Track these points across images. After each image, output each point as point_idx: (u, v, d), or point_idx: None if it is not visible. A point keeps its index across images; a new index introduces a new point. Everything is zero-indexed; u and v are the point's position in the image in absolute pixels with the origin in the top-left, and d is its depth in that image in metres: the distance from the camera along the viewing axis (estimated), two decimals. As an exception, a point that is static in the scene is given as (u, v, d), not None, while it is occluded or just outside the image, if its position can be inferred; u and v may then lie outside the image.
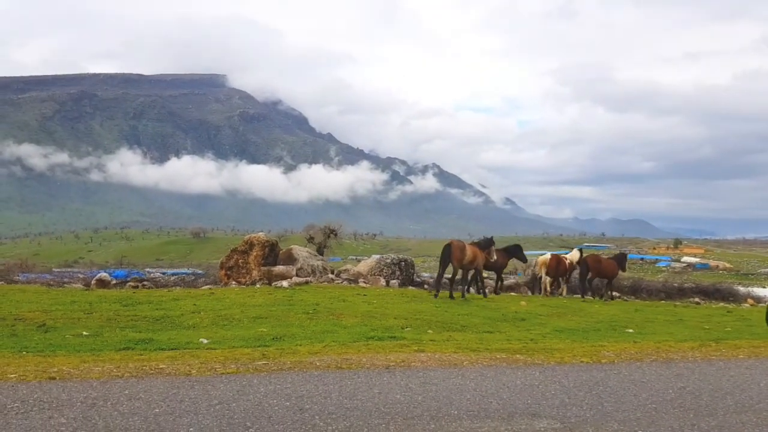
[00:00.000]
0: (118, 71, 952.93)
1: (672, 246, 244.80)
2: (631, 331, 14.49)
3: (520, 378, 7.32)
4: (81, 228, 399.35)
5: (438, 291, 20.20)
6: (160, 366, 7.82)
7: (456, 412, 5.80)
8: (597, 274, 24.31)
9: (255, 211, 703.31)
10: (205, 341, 10.51)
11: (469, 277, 21.76)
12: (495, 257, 22.59)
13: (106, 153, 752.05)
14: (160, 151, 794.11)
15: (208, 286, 23.81)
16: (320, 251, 40.07)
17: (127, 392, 6.37)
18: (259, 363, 8.08)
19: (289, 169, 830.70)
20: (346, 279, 25.37)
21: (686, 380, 7.56)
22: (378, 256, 29.30)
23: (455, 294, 20.53)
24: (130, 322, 12.63)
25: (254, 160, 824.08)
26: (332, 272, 26.24)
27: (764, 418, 5.90)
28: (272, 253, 25.20)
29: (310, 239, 44.17)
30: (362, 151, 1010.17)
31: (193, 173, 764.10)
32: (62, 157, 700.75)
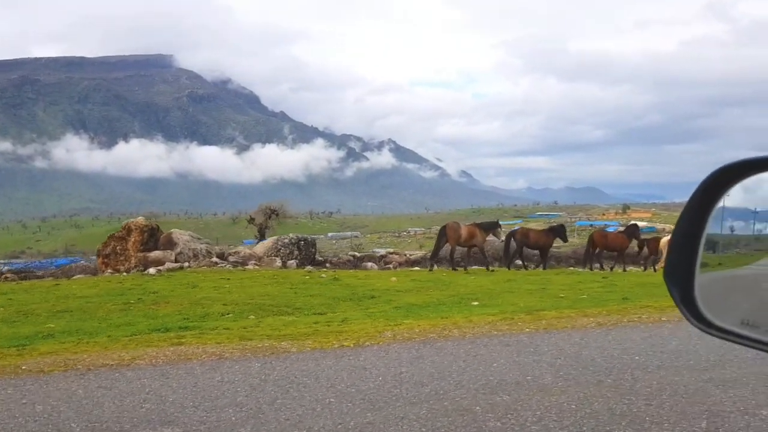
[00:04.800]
0: (61, 54, 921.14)
1: (621, 211, 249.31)
2: (476, 303, 13.95)
3: (220, 375, 6.57)
4: (28, 217, 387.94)
5: (432, 266, 23.22)
6: None
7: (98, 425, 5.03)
8: (604, 248, 26.03)
9: (208, 194, 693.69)
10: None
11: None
12: (503, 237, 25.02)
13: (51, 139, 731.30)
14: (108, 135, 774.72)
15: (80, 275, 22.70)
16: (261, 232, 38.97)
17: None
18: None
19: (242, 149, 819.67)
20: (233, 262, 24.46)
21: (400, 365, 6.94)
22: (276, 237, 28.42)
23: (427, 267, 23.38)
24: None
25: (205, 141, 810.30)
26: (221, 255, 25.27)
27: (444, 408, 5.26)
28: (152, 239, 24.16)
29: (251, 220, 43.02)
30: (317, 128, 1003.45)
31: (142, 157, 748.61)
32: (5, 145, 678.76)
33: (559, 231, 26.15)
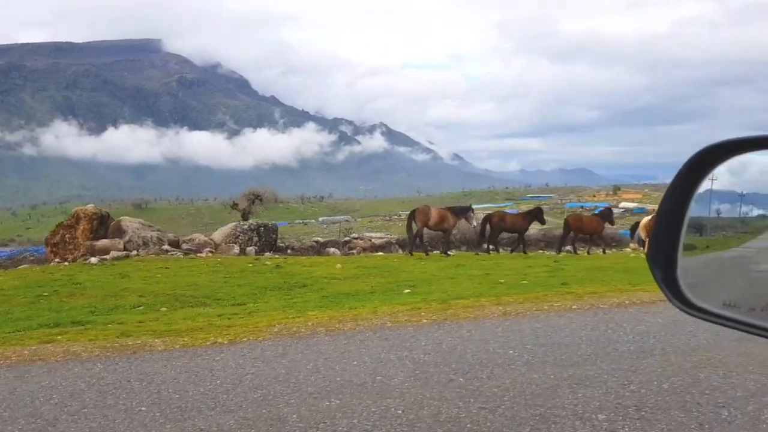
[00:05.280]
0: (48, 40, 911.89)
1: (611, 193, 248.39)
2: (408, 291, 13.51)
3: (49, 379, 6.06)
4: (18, 205, 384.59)
5: (411, 250, 22.68)
6: None
7: None
8: (579, 231, 26.09)
9: (199, 179, 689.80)
10: None
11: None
12: (474, 223, 24.56)
13: (39, 126, 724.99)
14: (97, 121, 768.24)
15: (26, 265, 22.14)
16: (245, 217, 38.42)
17: None
18: None
19: (233, 134, 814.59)
20: (185, 250, 23.87)
21: (254, 365, 6.45)
22: (234, 223, 27.83)
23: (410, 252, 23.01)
24: None
25: (196, 126, 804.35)
26: (174, 243, 24.64)
27: (259, 417, 4.79)
28: (103, 226, 23.54)
29: (234, 206, 42.51)
30: (308, 112, 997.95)
31: (132, 143, 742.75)
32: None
33: (536, 214, 25.89)
